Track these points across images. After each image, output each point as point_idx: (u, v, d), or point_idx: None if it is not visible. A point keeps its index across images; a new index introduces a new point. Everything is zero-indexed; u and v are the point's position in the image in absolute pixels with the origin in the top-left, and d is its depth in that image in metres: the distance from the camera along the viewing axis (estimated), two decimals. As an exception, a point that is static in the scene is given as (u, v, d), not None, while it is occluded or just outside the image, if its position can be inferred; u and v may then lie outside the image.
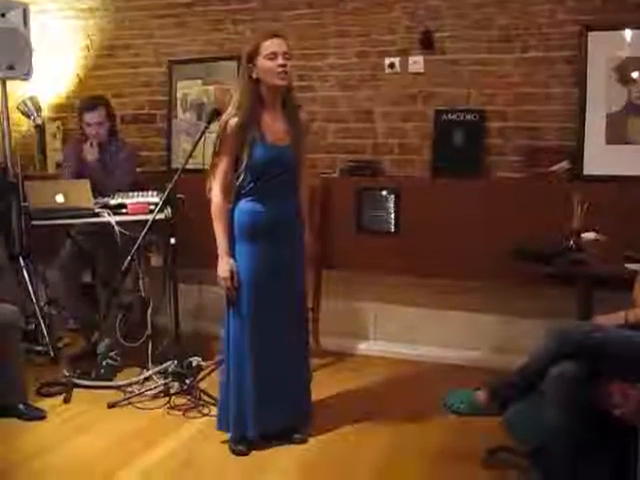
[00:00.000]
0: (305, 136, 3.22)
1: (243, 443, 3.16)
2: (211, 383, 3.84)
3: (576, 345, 2.55)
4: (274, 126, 3.06)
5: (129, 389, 3.82)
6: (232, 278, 3.05)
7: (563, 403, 2.52)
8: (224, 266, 3.06)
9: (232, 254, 3.09)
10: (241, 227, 3.08)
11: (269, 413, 3.14)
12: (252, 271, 3.07)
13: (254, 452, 3.16)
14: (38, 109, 4.81)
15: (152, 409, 3.62)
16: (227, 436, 3.22)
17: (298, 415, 3.29)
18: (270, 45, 2.96)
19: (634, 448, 2.44)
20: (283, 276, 3.12)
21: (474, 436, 3.18)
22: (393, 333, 4.50)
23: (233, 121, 2.98)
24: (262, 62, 2.96)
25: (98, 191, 3.98)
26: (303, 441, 3.25)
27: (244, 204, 3.07)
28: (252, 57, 2.98)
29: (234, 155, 3.02)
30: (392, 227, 4.26)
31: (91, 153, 4.17)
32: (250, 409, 3.11)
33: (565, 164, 3.94)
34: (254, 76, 2.98)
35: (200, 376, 3.92)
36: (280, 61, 2.95)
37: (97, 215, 3.84)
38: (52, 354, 4.24)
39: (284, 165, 3.07)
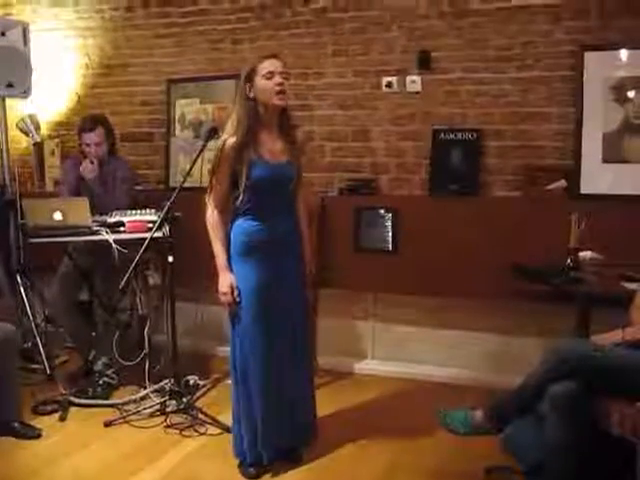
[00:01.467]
0: (302, 155, 3.24)
1: (255, 466, 3.12)
2: (208, 402, 3.83)
3: (574, 364, 2.55)
4: (271, 145, 3.07)
5: (126, 407, 3.79)
6: (232, 293, 3.04)
7: (562, 422, 2.51)
8: (224, 281, 3.05)
9: (231, 270, 3.08)
10: (239, 245, 3.07)
11: (277, 433, 3.11)
12: (252, 290, 3.04)
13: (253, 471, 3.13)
14: (37, 127, 4.83)
15: (149, 428, 3.60)
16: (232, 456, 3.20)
17: (302, 433, 3.27)
18: (268, 65, 2.98)
19: (633, 466, 2.43)
20: (283, 294, 3.10)
21: (472, 455, 3.16)
22: (390, 352, 4.49)
23: (231, 141, 2.98)
24: (259, 81, 2.98)
25: (96, 209, 3.98)
26: (300, 459, 3.23)
27: (242, 222, 3.06)
28: (250, 77, 3.00)
29: (231, 175, 3.02)
30: (390, 246, 4.25)
31: (90, 170, 4.14)
32: (260, 432, 3.07)
33: (562, 183, 3.95)
34: (252, 96, 3.00)
35: (197, 394, 3.91)
36: (277, 79, 2.97)
37: (95, 233, 3.82)
38: (48, 372, 4.22)
39: (282, 183, 3.07)
